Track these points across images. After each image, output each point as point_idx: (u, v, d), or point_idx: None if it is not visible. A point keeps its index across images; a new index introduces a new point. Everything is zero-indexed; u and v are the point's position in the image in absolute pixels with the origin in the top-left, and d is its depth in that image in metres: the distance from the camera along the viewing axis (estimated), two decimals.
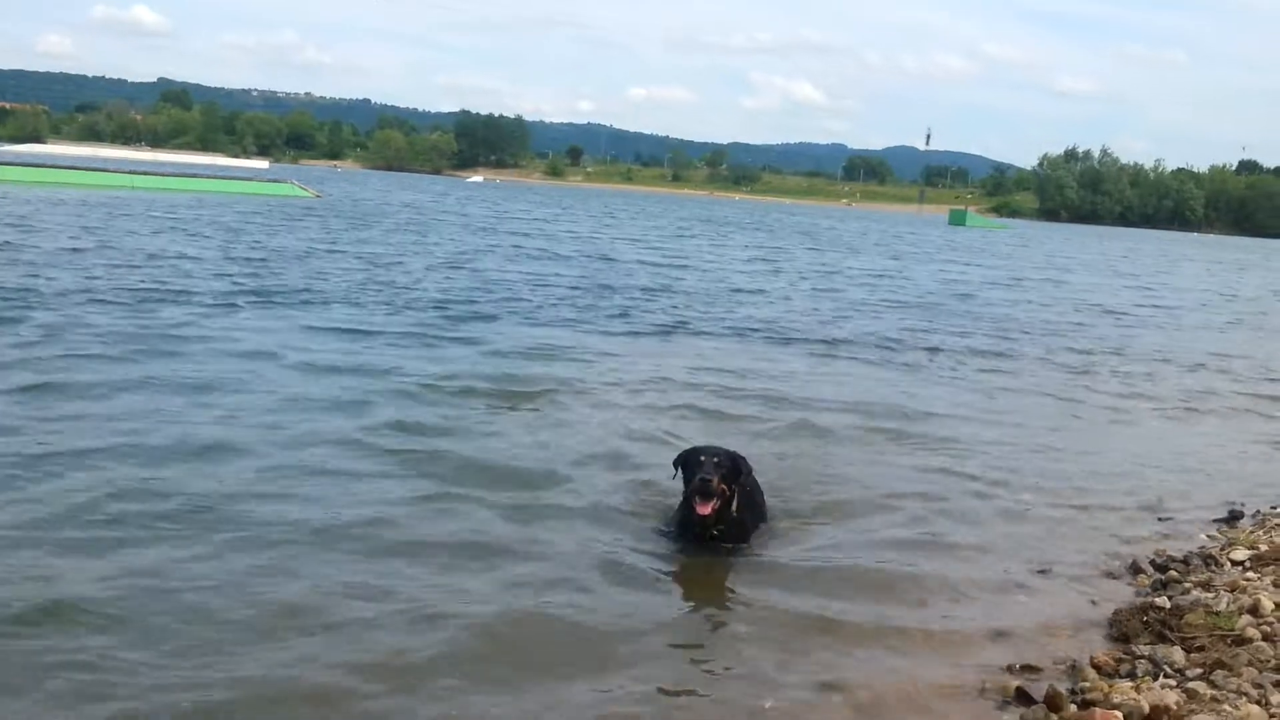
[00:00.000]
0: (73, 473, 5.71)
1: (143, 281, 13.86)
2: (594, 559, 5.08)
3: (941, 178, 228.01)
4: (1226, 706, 3.70)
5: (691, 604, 4.72)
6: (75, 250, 17.18)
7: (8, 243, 17.14)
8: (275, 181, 56.44)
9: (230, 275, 15.34)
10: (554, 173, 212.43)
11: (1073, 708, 3.83)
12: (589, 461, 6.72)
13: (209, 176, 53.77)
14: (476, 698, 3.74)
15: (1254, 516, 6.54)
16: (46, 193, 35.07)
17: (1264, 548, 5.62)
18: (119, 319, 10.74)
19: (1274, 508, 6.72)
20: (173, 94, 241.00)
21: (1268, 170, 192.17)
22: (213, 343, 9.87)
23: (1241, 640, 4.26)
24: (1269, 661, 4.05)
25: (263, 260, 17.52)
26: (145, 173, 50.39)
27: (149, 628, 4.04)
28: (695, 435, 7.33)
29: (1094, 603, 4.99)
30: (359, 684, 3.75)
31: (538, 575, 4.85)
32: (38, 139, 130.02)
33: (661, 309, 15.24)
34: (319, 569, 4.72)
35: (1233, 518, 6.51)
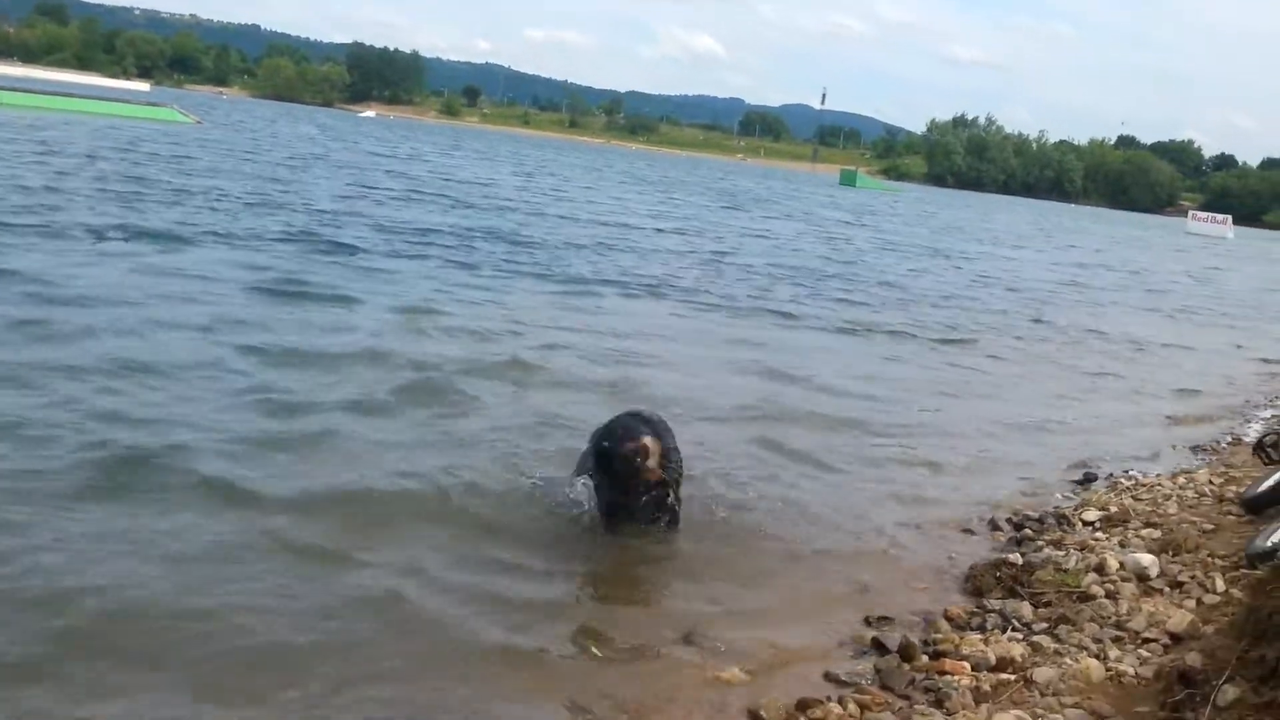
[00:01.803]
0: None
1: None
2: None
3: (835, 138, 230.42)
4: (1067, 660, 3.86)
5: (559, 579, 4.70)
6: None
7: None
8: (155, 105, 54.18)
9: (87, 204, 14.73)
10: (449, 112, 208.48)
11: (924, 658, 3.96)
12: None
13: (84, 97, 51.39)
14: None
15: (1106, 479, 6.82)
16: None
17: (1114, 509, 5.86)
18: None
19: (1126, 472, 7.00)
20: (48, 8, 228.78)
21: (1144, 146, 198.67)
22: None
23: (1086, 597, 4.45)
24: (1110, 618, 4.24)
25: (133, 192, 16.79)
26: (14, 89, 47.97)
27: None
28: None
29: (952, 558, 5.16)
30: None
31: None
32: None
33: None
34: None
35: (1087, 480, 6.78)
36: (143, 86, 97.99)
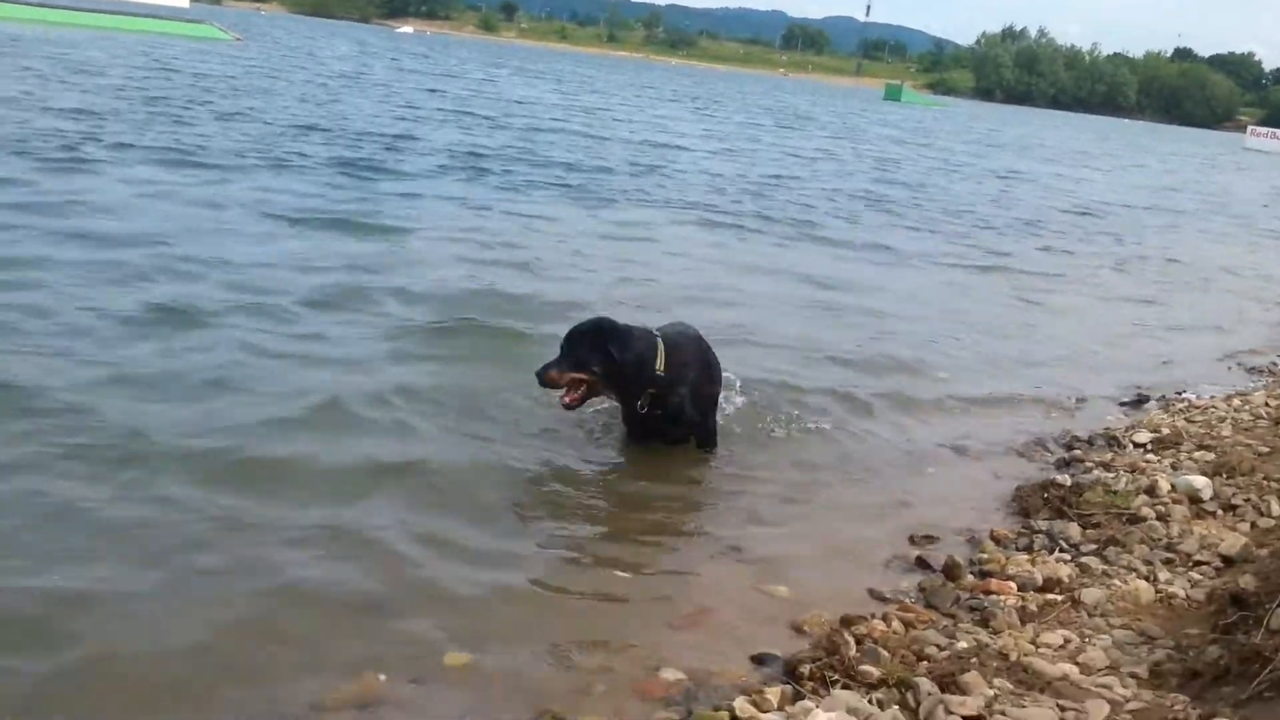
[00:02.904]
0: None
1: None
2: None
3: (880, 52, 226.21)
4: (1116, 581, 3.82)
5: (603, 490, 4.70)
6: None
7: None
8: (195, 22, 53.94)
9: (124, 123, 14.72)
10: (486, 27, 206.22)
11: (970, 577, 3.93)
12: None
13: (124, 14, 51.21)
14: None
15: (1159, 400, 6.71)
16: None
17: (1166, 431, 5.77)
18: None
19: (1179, 393, 6.89)
20: None
21: (1202, 59, 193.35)
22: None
23: (1136, 519, 4.38)
24: (1160, 540, 4.18)
25: (177, 114, 16.72)
26: (58, 6, 47.85)
27: None
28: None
29: (999, 479, 5.10)
30: None
31: None
32: None
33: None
34: None
35: (1139, 401, 6.67)
36: (182, 3, 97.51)
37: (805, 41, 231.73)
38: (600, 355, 4.53)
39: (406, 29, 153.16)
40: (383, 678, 2.98)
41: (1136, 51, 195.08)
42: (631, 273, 8.59)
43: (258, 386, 5.05)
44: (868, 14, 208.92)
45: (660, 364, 4.57)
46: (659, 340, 4.63)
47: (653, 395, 4.63)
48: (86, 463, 4.03)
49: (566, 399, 4.60)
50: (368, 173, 12.22)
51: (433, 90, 29.22)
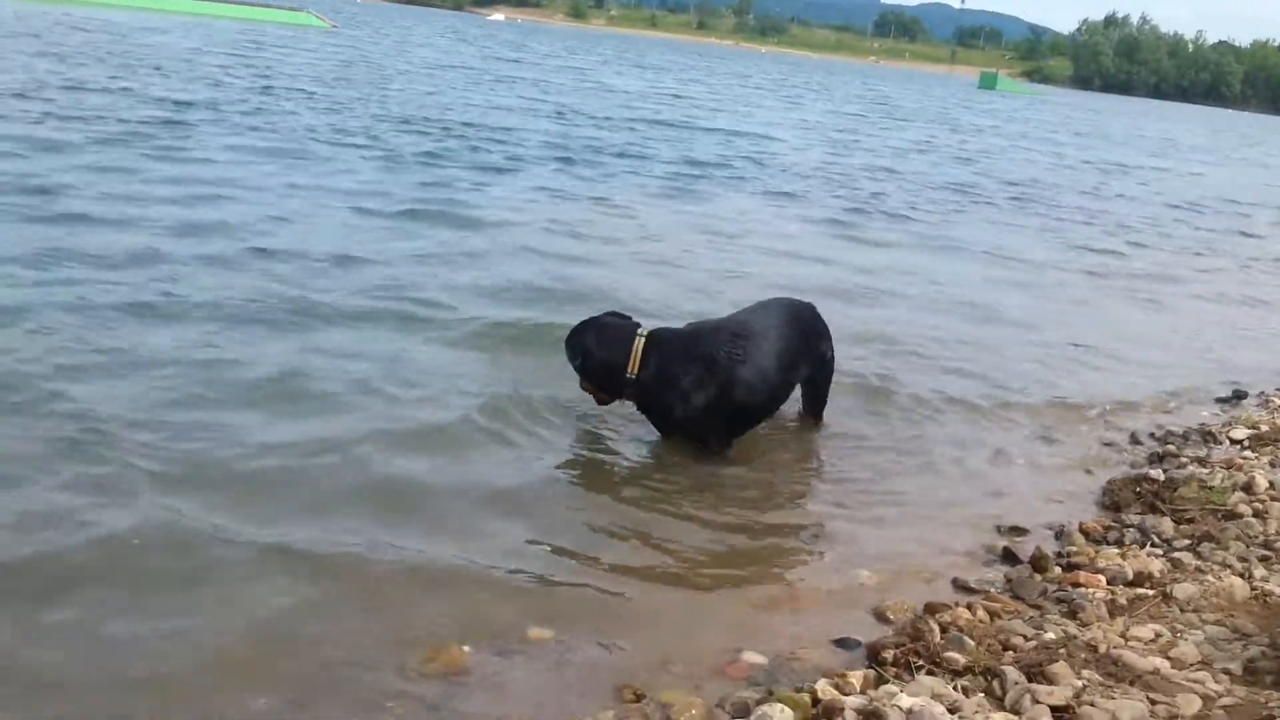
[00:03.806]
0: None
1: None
2: None
3: (975, 39, 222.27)
4: (1210, 577, 3.75)
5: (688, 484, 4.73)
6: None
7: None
8: (293, 10, 55.13)
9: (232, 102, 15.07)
10: (576, 15, 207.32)
11: (1058, 569, 3.89)
12: None
13: (226, 2, 52.48)
14: None
15: (1258, 396, 6.54)
16: (60, 11, 34.33)
17: (1265, 428, 5.63)
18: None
19: (1279, 389, 6.71)
20: None
21: None
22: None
23: (1232, 515, 4.29)
24: (1257, 537, 4.09)
25: (284, 100, 17.09)
26: None
27: None
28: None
29: (1089, 471, 5.02)
30: None
31: None
32: None
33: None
34: None
35: (1236, 397, 6.51)
36: None
37: (899, 29, 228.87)
38: (579, 356, 4.55)
39: (498, 16, 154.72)
40: (467, 649, 3.05)
41: (1243, 40, 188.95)
42: (729, 266, 8.47)
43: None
44: (963, 1, 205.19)
45: (632, 366, 4.43)
46: (638, 340, 4.45)
47: (634, 397, 4.56)
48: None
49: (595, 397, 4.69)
50: (456, 163, 12.24)
51: (523, 79, 29.43)
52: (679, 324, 4.81)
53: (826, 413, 5.13)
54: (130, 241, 6.91)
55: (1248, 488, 4.56)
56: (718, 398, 4.42)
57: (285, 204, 8.86)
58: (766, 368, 4.50)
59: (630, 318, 4.69)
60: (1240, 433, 5.58)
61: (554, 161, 13.33)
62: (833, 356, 4.98)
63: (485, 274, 7.26)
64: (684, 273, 8.02)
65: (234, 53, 25.68)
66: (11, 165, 8.83)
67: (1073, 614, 3.49)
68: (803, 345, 4.73)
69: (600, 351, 4.49)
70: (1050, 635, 3.23)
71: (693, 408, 4.44)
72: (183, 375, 4.73)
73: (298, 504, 3.81)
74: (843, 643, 3.29)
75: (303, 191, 9.48)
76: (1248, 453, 5.25)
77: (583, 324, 4.62)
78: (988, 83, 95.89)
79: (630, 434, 4.77)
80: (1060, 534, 4.28)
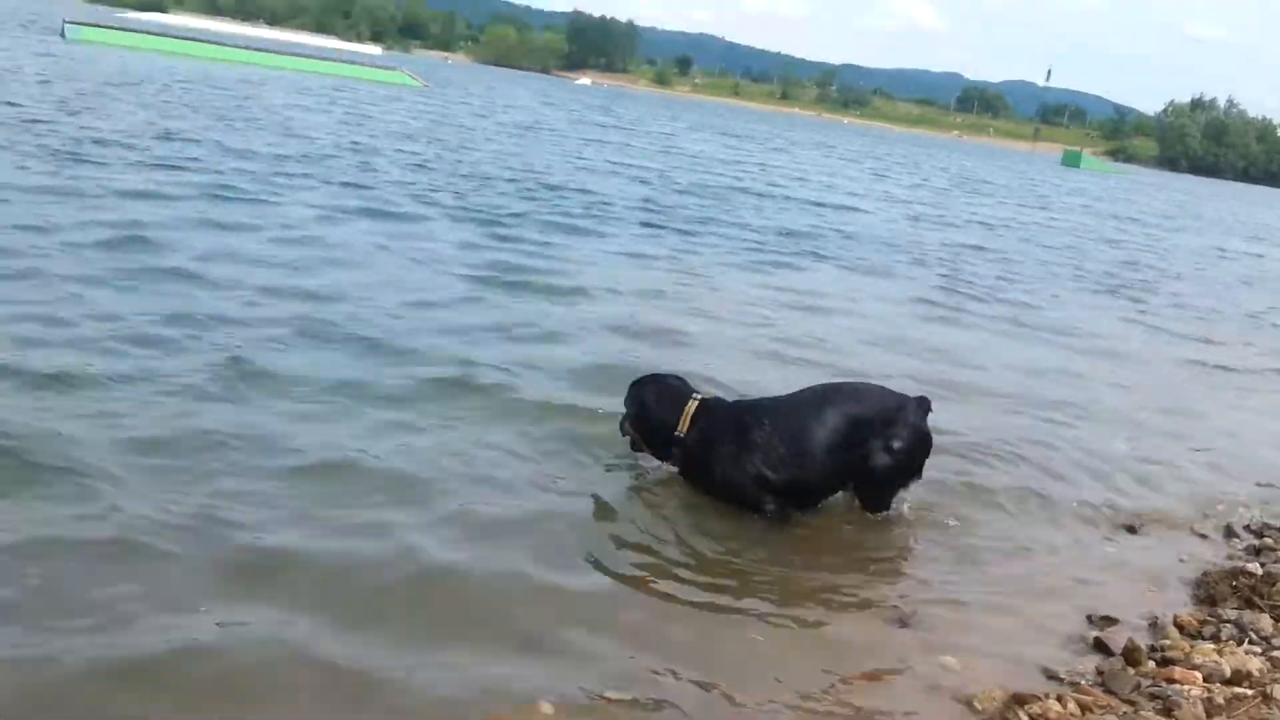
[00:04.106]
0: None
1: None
2: None
3: (1059, 117, 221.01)
4: None
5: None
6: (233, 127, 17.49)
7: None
8: (387, 69, 56.70)
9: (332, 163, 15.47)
10: (661, 81, 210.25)
11: (1151, 664, 3.79)
12: None
13: (324, 59, 54.18)
14: None
15: None
16: (166, 62, 35.70)
17: None
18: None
19: None
20: None
21: None
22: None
23: None
24: None
25: (366, 160, 17.51)
26: (262, 50, 50.98)
27: None
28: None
29: (1182, 561, 4.90)
30: None
31: None
32: (160, 9, 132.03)
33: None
34: None
35: None
36: (375, 50, 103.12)
37: (982, 104, 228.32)
38: (636, 407, 4.87)
39: (584, 81, 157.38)
40: (549, 709, 3.07)
41: None
42: (804, 336, 8.37)
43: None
44: (1047, 79, 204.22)
45: (682, 427, 4.71)
46: (691, 404, 4.74)
47: (679, 458, 4.78)
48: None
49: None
50: (543, 227, 12.13)
51: (609, 142, 29.82)
52: (741, 397, 5.04)
53: (913, 495, 4.93)
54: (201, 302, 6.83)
55: None
56: (748, 467, 4.60)
57: (370, 263, 8.88)
58: (799, 448, 4.59)
59: (686, 383, 4.96)
60: None
61: (637, 226, 13.34)
62: (899, 450, 4.63)
63: (562, 349, 6.97)
64: (761, 345, 7.86)
65: (329, 109, 26.46)
66: (104, 215, 9.04)
67: (1168, 711, 3.40)
68: (853, 433, 4.62)
69: (656, 409, 4.79)
70: None
71: (726, 473, 4.65)
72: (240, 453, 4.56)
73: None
74: None
75: (388, 252, 9.45)
76: None
77: (645, 379, 4.96)
78: (1071, 160, 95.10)
79: (706, 511, 4.71)
80: (1154, 626, 4.17)
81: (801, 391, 4.87)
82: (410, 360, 6.18)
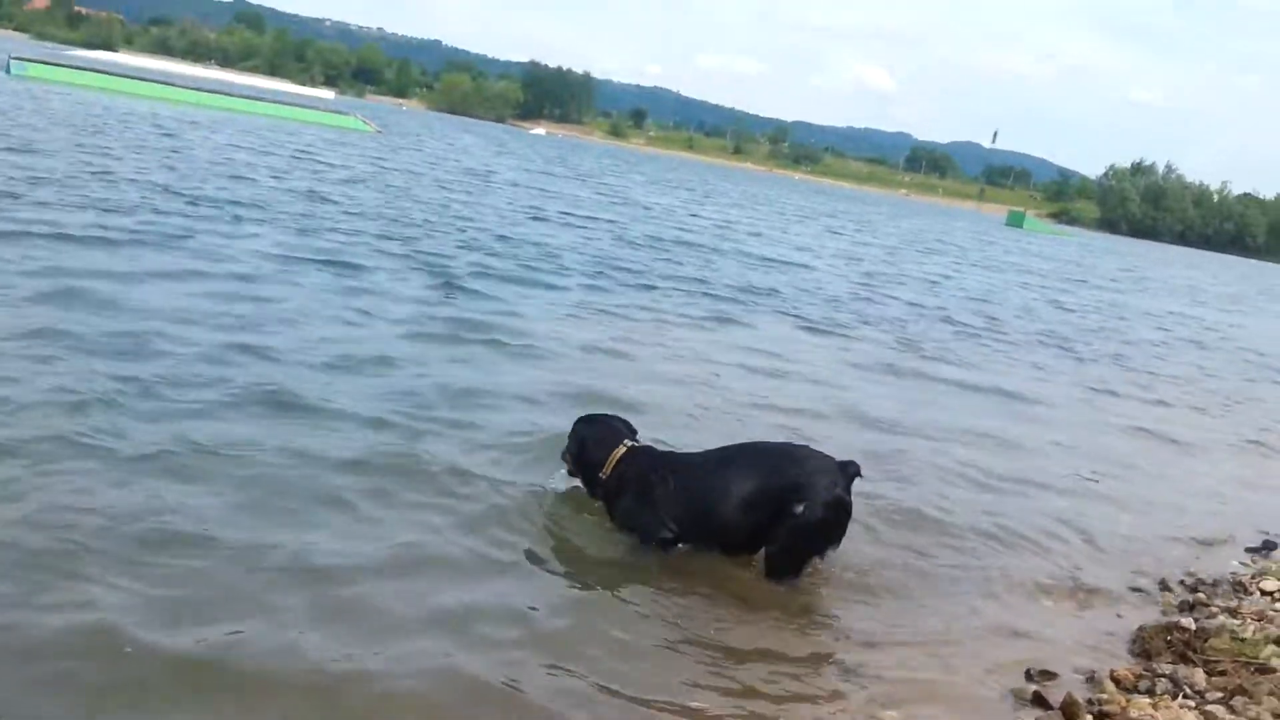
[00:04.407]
0: None
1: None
2: None
3: (1004, 178, 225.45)
4: None
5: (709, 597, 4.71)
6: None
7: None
8: (339, 113, 56.69)
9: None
10: (616, 133, 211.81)
11: (1089, 718, 3.83)
12: None
13: (275, 102, 54.06)
14: None
15: None
16: (111, 101, 35.45)
17: None
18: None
19: None
20: (247, 16, 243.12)
21: None
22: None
23: (1265, 669, 4.24)
24: None
25: (305, 208, 17.42)
26: (213, 91, 50.79)
27: None
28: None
29: (1120, 616, 4.98)
30: None
31: None
32: (109, 47, 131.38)
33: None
34: None
35: (1267, 547, 6.45)
36: (328, 94, 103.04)
37: (930, 164, 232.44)
38: (575, 443, 5.05)
39: (539, 130, 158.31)
40: None
41: (1268, 192, 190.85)
42: (752, 395, 8.31)
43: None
44: (993, 140, 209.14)
45: (606, 469, 4.89)
46: (620, 449, 4.91)
47: (602, 495, 4.95)
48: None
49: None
50: (492, 279, 11.91)
51: (563, 194, 29.85)
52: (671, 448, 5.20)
53: (855, 547, 4.96)
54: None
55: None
56: (642, 519, 4.76)
57: (307, 317, 8.47)
58: (697, 507, 4.69)
59: (625, 427, 5.12)
60: (1271, 584, 5.53)
61: (589, 279, 13.24)
62: (803, 517, 4.49)
63: (503, 413, 6.66)
64: (709, 402, 7.79)
65: (277, 152, 26.36)
66: (39, 261, 8.67)
67: None
68: (758, 495, 4.58)
69: (590, 448, 4.99)
70: None
71: (623, 523, 4.86)
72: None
73: None
74: None
75: (327, 304, 9.13)
76: (1279, 605, 5.19)
77: (590, 418, 5.17)
78: (1015, 220, 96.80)
79: (624, 561, 4.75)
80: (1091, 680, 4.23)
81: (720, 449, 4.89)
82: (343, 427, 5.82)
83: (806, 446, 4.89)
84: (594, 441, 5.00)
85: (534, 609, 4.14)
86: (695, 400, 7.76)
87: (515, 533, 4.83)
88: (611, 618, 4.20)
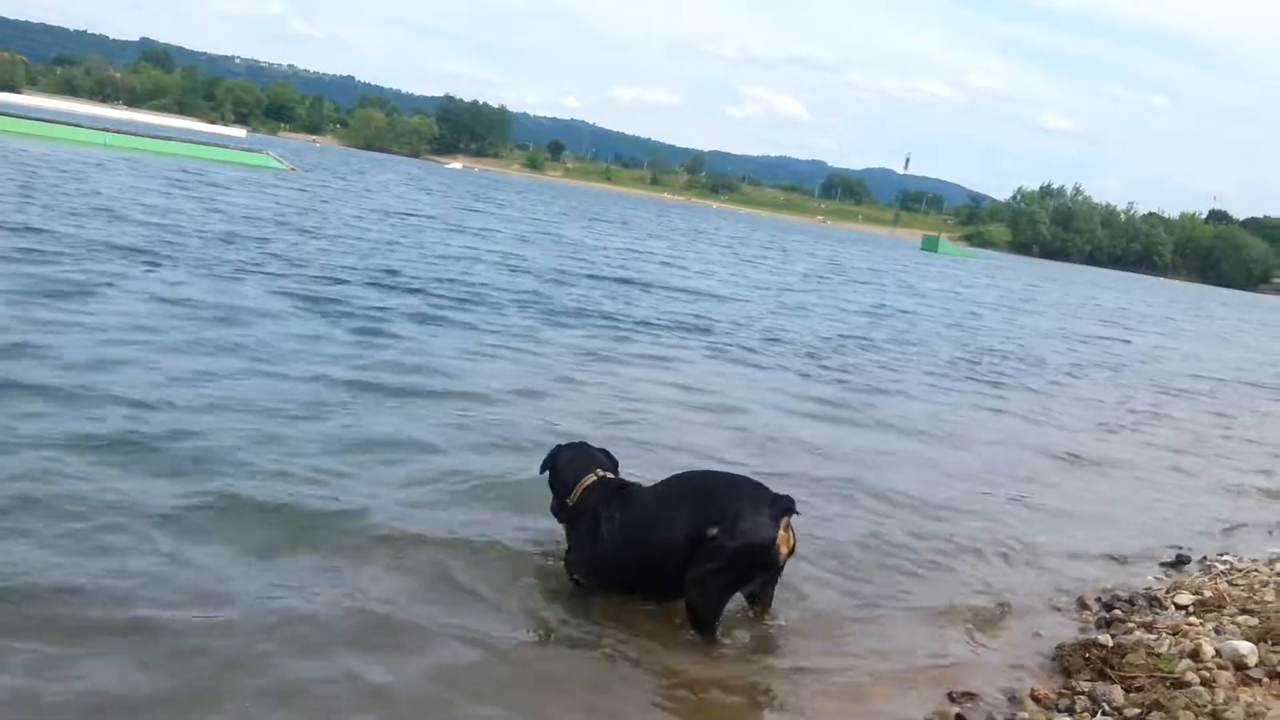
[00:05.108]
0: None
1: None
2: None
3: (917, 203, 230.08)
4: None
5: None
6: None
7: None
8: (251, 151, 55.93)
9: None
10: (533, 166, 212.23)
11: None
12: None
13: (184, 140, 53.17)
14: None
15: (1200, 562, 6.60)
16: (13, 144, 34.60)
17: (1208, 594, 5.67)
18: None
19: (1221, 555, 6.78)
20: (154, 54, 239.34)
21: (1237, 221, 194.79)
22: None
23: (1180, 684, 4.29)
24: (1205, 706, 4.08)
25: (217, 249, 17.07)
26: (120, 131, 49.82)
27: None
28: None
29: (1039, 635, 5.02)
30: None
31: None
32: (12, 89, 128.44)
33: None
34: None
35: (1179, 562, 6.57)
36: (239, 133, 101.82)
37: (845, 191, 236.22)
38: (549, 471, 4.99)
39: (456, 165, 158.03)
40: None
41: (1172, 212, 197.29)
42: (683, 432, 8.16)
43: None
44: (906, 166, 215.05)
45: (572, 497, 4.82)
46: (589, 478, 4.82)
47: (565, 521, 4.90)
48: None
49: None
50: (412, 321, 11.53)
51: (484, 230, 29.62)
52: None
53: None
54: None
55: (1195, 655, 4.57)
56: (586, 552, 4.72)
57: (213, 368, 7.93)
58: (631, 532, 4.56)
59: (602, 458, 5.00)
60: (1185, 598, 5.61)
61: (515, 319, 12.85)
62: (727, 543, 4.27)
63: (432, 463, 6.41)
64: (643, 438, 7.68)
65: (185, 192, 25.88)
66: None
67: None
68: (685, 520, 4.42)
69: (562, 474, 4.90)
70: None
71: (572, 555, 4.82)
72: None
73: None
74: None
75: (235, 355, 8.55)
76: (1193, 619, 5.27)
77: (570, 447, 5.06)
78: (930, 245, 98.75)
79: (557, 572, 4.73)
80: (1012, 700, 4.25)
81: (663, 480, 4.79)
82: (253, 486, 5.47)
83: (743, 477, 4.62)
84: (567, 469, 4.91)
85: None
86: (630, 437, 7.58)
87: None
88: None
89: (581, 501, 4.76)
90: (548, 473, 4.99)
